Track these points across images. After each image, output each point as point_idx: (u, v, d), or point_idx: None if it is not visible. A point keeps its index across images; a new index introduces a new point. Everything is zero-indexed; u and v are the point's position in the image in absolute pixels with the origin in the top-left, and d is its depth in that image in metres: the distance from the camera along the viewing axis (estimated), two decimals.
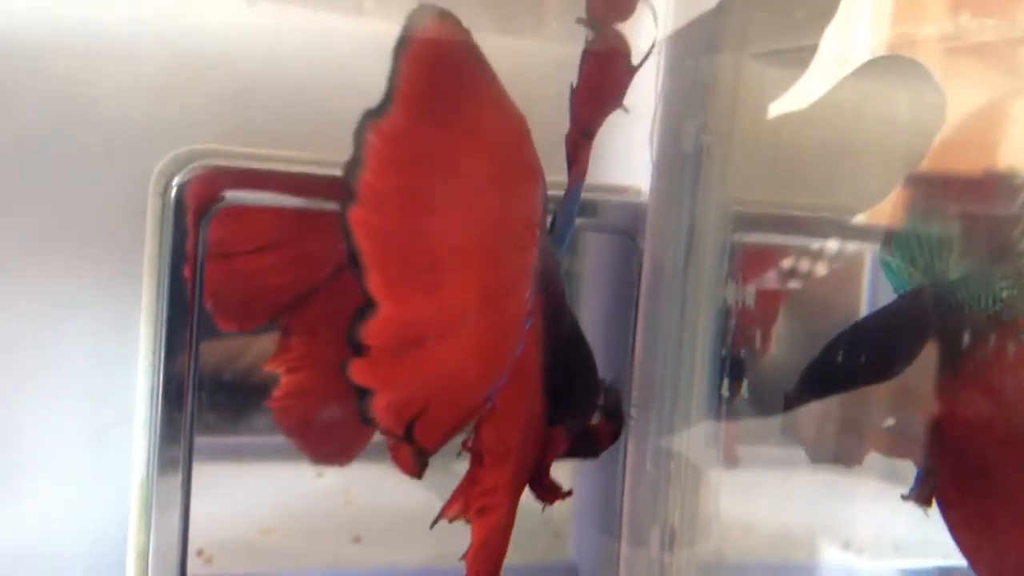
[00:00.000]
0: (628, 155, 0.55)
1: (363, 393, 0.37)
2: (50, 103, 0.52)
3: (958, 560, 0.51)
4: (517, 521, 0.45)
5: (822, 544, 0.57)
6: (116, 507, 0.52)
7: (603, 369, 0.53)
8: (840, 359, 0.45)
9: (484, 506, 0.41)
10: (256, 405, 0.59)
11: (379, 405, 0.37)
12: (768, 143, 0.50)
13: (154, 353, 0.51)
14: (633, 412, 0.53)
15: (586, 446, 0.48)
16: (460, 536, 0.42)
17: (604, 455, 0.57)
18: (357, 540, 0.61)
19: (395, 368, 0.38)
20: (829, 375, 0.46)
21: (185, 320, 0.51)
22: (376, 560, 0.59)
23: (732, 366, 0.51)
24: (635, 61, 0.45)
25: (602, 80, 0.42)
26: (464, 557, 0.41)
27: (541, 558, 0.59)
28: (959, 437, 0.45)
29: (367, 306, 0.35)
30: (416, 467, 0.41)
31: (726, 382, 0.50)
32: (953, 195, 0.47)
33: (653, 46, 0.42)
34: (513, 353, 0.40)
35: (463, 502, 0.41)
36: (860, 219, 0.51)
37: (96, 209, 0.53)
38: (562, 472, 0.59)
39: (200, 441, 0.53)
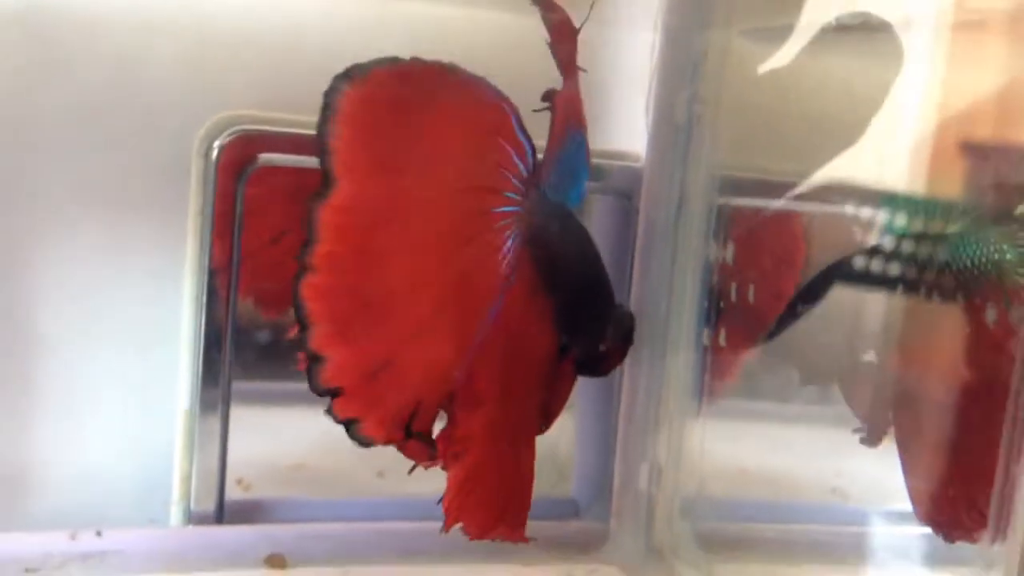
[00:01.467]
0: (629, 123, 0.58)
1: (350, 423, 0.39)
2: (105, 74, 0.55)
3: None
4: None
5: (809, 487, 0.60)
6: (164, 436, 0.56)
7: None
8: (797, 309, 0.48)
9: (457, 452, 0.43)
10: (293, 354, 0.62)
11: (370, 427, 0.40)
12: (751, 113, 0.52)
13: (197, 300, 0.55)
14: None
15: (595, 367, 0.49)
16: None
17: (604, 403, 0.61)
18: (381, 475, 0.64)
19: (374, 390, 0.40)
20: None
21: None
22: (397, 491, 0.63)
23: (714, 317, 0.54)
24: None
25: (554, 43, 0.44)
26: (441, 502, 0.43)
27: (546, 494, 0.63)
28: (925, 384, 0.47)
29: (313, 360, 0.38)
30: (427, 454, 0.42)
31: (707, 331, 0.54)
32: (972, 157, 0.48)
33: (590, 13, 0.44)
34: (485, 322, 0.42)
35: (439, 450, 0.43)
36: (869, 178, 0.52)
37: (146, 169, 0.56)
38: (566, 419, 0.62)
39: (242, 386, 0.57)
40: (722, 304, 0.54)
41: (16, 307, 0.56)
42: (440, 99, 0.40)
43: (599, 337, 0.48)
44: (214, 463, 0.56)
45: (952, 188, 0.48)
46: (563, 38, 0.45)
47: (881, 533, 0.58)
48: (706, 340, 0.54)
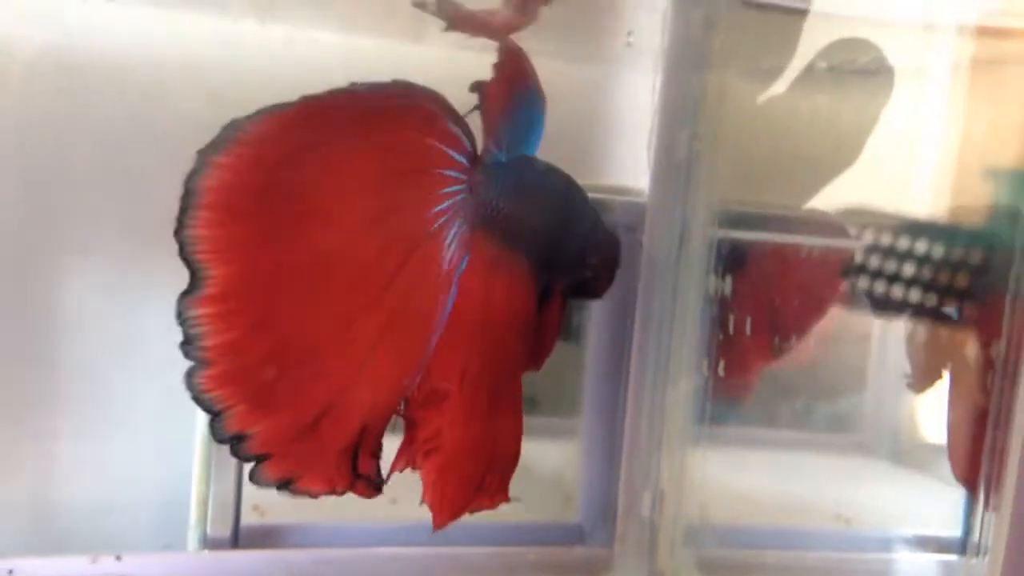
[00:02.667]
0: (633, 160, 0.60)
1: (285, 483, 0.38)
2: (130, 112, 0.57)
3: (936, 530, 0.56)
4: (532, 487, 0.48)
5: (812, 514, 0.61)
6: (182, 462, 0.57)
7: (607, 346, 0.58)
8: None
9: (428, 450, 0.41)
10: None
11: (308, 481, 0.38)
12: (748, 150, 0.54)
13: None
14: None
15: (587, 291, 0.48)
16: None
17: (609, 431, 0.62)
18: (394, 501, 0.65)
19: (312, 443, 0.38)
20: None
21: None
22: (410, 517, 0.64)
23: (714, 347, 0.55)
24: None
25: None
26: (422, 501, 0.41)
27: (554, 519, 0.65)
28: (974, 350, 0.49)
29: (235, 440, 0.36)
30: (373, 491, 0.41)
31: (706, 362, 0.55)
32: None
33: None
34: (439, 323, 0.39)
35: (406, 458, 0.42)
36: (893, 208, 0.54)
37: (169, 203, 0.55)
38: (573, 447, 0.64)
39: None
40: (721, 335, 0.55)
41: (38, 334, 0.57)
42: (340, 133, 0.38)
43: (581, 265, 0.46)
44: (230, 489, 0.57)
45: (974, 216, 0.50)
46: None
47: (885, 560, 0.58)
48: (706, 370, 0.56)
